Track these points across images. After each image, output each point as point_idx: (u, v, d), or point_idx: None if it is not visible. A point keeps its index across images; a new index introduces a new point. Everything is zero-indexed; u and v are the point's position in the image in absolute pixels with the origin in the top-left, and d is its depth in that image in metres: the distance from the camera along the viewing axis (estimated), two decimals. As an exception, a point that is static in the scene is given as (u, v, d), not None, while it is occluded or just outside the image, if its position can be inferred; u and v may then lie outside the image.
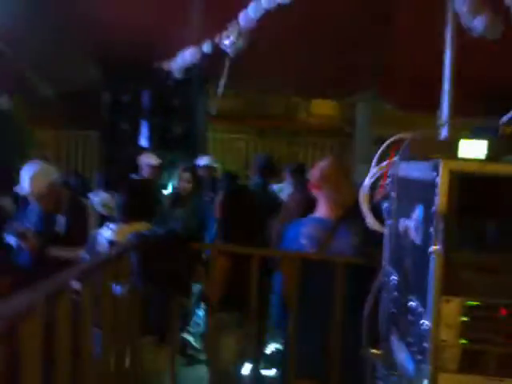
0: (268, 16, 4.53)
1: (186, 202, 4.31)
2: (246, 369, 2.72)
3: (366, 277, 2.08)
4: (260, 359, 2.87)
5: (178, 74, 5.86)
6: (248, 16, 4.69)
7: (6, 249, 3.02)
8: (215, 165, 5.58)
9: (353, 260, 2.22)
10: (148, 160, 4.67)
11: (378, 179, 1.70)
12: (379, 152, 1.63)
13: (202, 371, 3.00)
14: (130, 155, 6.17)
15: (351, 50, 5.58)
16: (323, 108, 8.25)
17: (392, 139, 1.56)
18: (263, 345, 2.84)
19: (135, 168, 5.08)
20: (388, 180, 1.54)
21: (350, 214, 2.38)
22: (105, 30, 5.26)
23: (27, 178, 2.92)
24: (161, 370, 2.58)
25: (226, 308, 2.55)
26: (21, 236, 2.90)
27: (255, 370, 2.70)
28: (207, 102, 6.85)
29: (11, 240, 3.04)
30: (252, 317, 2.40)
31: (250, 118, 8.08)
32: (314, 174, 2.45)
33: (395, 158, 1.51)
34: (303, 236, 2.29)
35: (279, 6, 4.36)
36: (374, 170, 1.62)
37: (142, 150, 6.33)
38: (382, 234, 1.70)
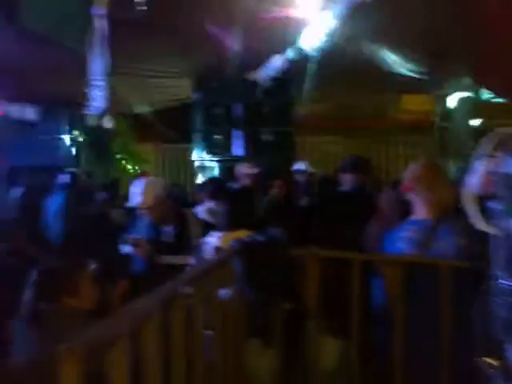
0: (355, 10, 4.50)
1: (279, 208, 4.39)
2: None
3: (474, 280, 2.01)
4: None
5: (265, 83, 6.04)
6: (331, 17, 4.69)
7: (123, 257, 3.32)
8: (311, 169, 5.62)
9: (458, 263, 2.15)
10: (245, 169, 4.83)
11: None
12: (484, 147, 1.56)
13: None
14: (225, 165, 6.49)
15: (441, 38, 5.35)
16: (415, 103, 7.95)
17: (497, 133, 1.49)
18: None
19: (231, 177, 5.29)
20: (495, 178, 1.48)
21: (449, 213, 2.33)
22: (196, 47, 5.54)
23: (138, 192, 3.20)
24: (265, 373, 2.66)
25: (324, 315, 2.57)
26: (135, 245, 3.18)
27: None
28: (295, 107, 6.95)
29: (126, 249, 3.34)
30: (354, 327, 2.39)
31: (339, 120, 8.04)
32: (406, 176, 2.42)
33: (503, 154, 1.45)
34: (401, 239, 2.26)
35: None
36: (479, 168, 1.57)
37: (236, 158, 6.61)
38: (487, 235, 1.64)
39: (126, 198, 4.92)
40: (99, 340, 1.17)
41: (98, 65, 2.70)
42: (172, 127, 7.67)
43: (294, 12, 4.78)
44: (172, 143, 8.33)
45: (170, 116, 7.59)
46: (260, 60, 5.83)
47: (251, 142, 6.67)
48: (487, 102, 6.83)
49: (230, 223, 2.88)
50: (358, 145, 8.10)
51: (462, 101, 6.99)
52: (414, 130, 7.97)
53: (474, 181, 1.60)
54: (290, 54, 5.52)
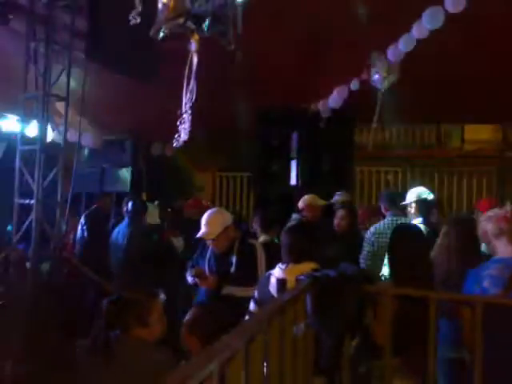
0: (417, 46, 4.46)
1: (342, 239, 4.30)
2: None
3: None
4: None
5: (326, 114, 6.04)
6: (398, 50, 4.66)
7: (186, 286, 3.34)
8: (349, 199, 5.48)
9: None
10: (312, 201, 4.78)
11: None
12: None
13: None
14: (282, 195, 6.47)
15: (505, 72, 5.18)
16: (480, 133, 7.68)
17: None
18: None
19: (289, 207, 5.26)
20: None
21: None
22: (259, 81, 5.63)
23: (205, 223, 3.22)
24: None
25: (398, 353, 2.45)
26: (199, 276, 3.18)
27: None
28: (354, 137, 6.89)
29: (189, 279, 3.35)
30: (430, 366, 2.26)
31: (399, 149, 7.87)
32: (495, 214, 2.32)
33: None
34: (486, 278, 2.13)
35: (430, 33, 4.27)
36: None
37: (293, 188, 6.58)
38: None
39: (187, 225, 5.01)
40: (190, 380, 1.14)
41: (187, 99, 2.77)
42: (230, 155, 7.78)
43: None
44: (228, 171, 8.44)
45: (226, 143, 7.71)
46: (323, 92, 5.86)
47: (309, 173, 6.63)
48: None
49: (293, 255, 2.82)
50: (420, 175, 7.88)
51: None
52: (479, 161, 7.67)
53: None
54: (352, 85, 5.52)
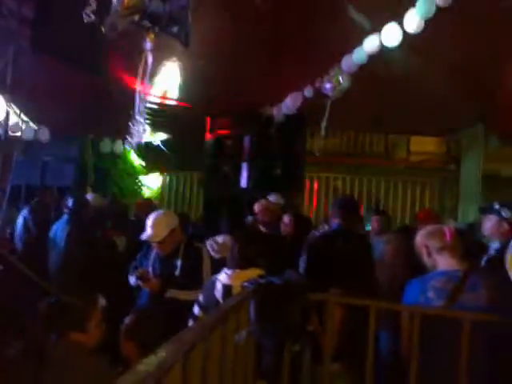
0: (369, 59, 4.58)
1: (288, 245, 4.31)
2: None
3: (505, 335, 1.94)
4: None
5: (280, 119, 6.08)
6: (351, 61, 4.75)
7: (129, 289, 3.25)
8: (281, 202, 5.53)
9: (484, 316, 2.09)
10: (267, 204, 4.76)
11: None
12: None
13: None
14: (232, 197, 6.45)
15: (454, 86, 5.43)
16: (425, 145, 8.00)
17: None
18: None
19: (239, 209, 5.25)
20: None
21: (476, 265, 2.30)
22: (213, 83, 5.59)
23: (151, 225, 3.14)
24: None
25: (338, 359, 2.50)
26: (142, 278, 3.10)
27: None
28: (306, 143, 6.98)
29: (132, 280, 3.27)
30: (368, 372, 2.32)
31: (348, 157, 8.06)
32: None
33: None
34: (431, 289, 2.21)
35: (382, 50, 4.39)
36: None
37: (243, 191, 6.59)
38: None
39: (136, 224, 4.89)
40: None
41: (142, 100, 2.70)
42: (180, 155, 7.68)
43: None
44: (178, 171, 8.33)
45: (177, 143, 7.61)
46: (277, 97, 5.90)
47: (260, 176, 6.65)
48: (497, 148, 6.85)
49: (240, 261, 2.81)
50: (367, 183, 8.11)
51: (474, 145, 7.01)
52: (423, 172, 7.98)
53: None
54: (306, 92, 5.58)
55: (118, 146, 7.18)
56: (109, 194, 6.51)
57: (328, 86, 5.15)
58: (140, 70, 2.60)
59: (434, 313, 2.20)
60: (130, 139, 3.15)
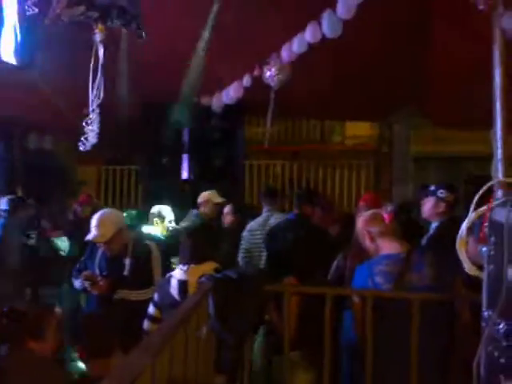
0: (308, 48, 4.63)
1: (231, 235, 4.27)
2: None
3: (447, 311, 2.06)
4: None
5: (218, 109, 6.02)
6: (291, 50, 4.79)
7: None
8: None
9: (430, 296, 2.20)
10: (211, 198, 4.71)
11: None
12: (477, 196, 1.60)
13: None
14: (173, 189, 6.33)
15: (386, 71, 5.62)
16: (358, 129, 8.26)
17: (490, 183, 1.55)
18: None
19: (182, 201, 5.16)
20: (486, 224, 1.53)
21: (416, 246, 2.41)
22: (146, 70, 5.42)
23: (96, 224, 3.01)
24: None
25: (298, 346, 2.55)
26: (89, 281, 2.98)
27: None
28: (245, 132, 6.98)
29: (78, 284, 3.13)
30: (326, 358, 2.38)
31: (286, 144, 8.17)
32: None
33: (494, 203, 1.50)
34: (379, 274, 2.30)
35: (322, 39, 4.46)
36: (471, 215, 1.61)
37: (184, 182, 6.49)
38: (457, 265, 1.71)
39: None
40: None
41: (93, 97, 2.54)
42: (116, 148, 7.40)
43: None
44: (115, 165, 8.04)
45: (113, 136, 7.32)
46: (216, 87, 5.83)
47: (199, 167, 6.60)
48: (427, 130, 7.21)
49: (194, 256, 2.78)
50: (305, 168, 8.27)
51: (404, 128, 7.33)
52: (358, 155, 8.25)
53: (464, 227, 1.64)
54: (245, 81, 5.56)
55: (47, 142, 6.80)
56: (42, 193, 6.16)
57: (268, 74, 5.16)
58: (92, 63, 2.46)
59: (385, 295, 2.29)
60: (84, 140, 2.97)
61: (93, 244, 3.16)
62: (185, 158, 6.61)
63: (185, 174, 6.55)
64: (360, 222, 2.58)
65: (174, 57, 5.15)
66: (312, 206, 3.82)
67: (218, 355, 2.47)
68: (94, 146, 3.01)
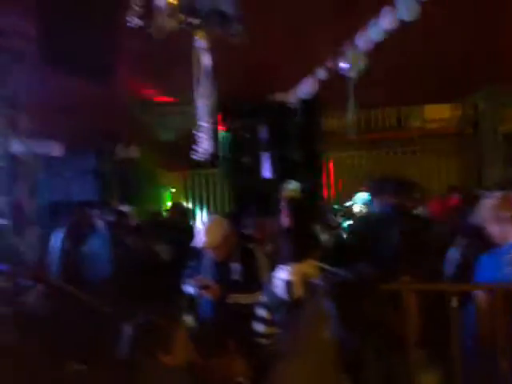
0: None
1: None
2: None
3: None
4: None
5: (295, 105, 6.02)
6: (367, 38, 4.67)
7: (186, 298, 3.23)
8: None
9: None
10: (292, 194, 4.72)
11: None
12: None
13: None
14: (255, 188, 6.40)
15: (463, 50, 5.34)
16: (438, 112, 7.90)
17: None
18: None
19: (266, 199, 5.19)
20: None
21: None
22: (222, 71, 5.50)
23: (205, 232, 3.11)
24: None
25: (420, 346, 2.48)
26: (202, 286, 3.07)
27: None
28: (322, 126, 6.91)
29: (190, 289, 3.24)
30: (453, 356, 2.30)
31: (363, 133, 7.97)
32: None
33: None
34: (507, 264, 2.16)
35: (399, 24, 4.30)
36: None
37: (266, 181, 6.54)
38: None
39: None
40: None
41: (203, 106, 2.62)
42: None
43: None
44: (199, 168, 8.22)
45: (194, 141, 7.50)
46: (290, 82, 5.82)
47: (279, 164, 6.61)
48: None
49: (295, 255, 2.78)
50: (383, 157, 8.03)
51: (490, 106, 6.91)
52: (440, 139, 7.89)
53: None
54: (320, 74, 5.50)
55: (133, 152, 7.13)
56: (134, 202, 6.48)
57: (344, 66, 5.08)
58: (195, 72, 2.53)
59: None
60: (198, 151, 3.06)
61: (199, 249, 3.26)
62: (264, 156, 6.66)
63: (267, 172, 6.60)
64: (488, 205, 2.40)
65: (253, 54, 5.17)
66: (407, 196, 3.68)
67: (342, 357, 2.45)
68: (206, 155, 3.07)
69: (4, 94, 4.34)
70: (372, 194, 3.86)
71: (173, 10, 2.19)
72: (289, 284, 2.69)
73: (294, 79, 5.82)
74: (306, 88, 5.71)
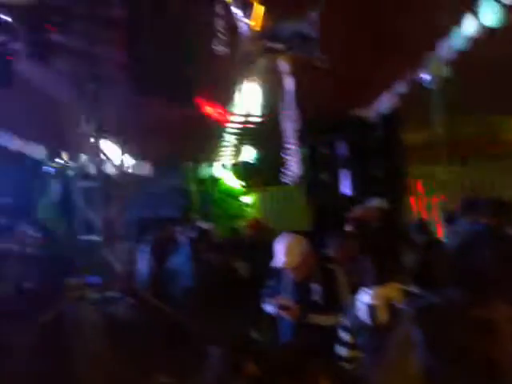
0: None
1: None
2: None
3: None
4: None
5: (375, 119, 5.89)
6: (449, 47, 4.49)
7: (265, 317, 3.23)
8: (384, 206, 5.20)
9: None
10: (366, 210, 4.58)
11: None
12: None
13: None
14: (334, 206, 6.29)
15: None
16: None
17: None
18: None
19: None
20: None
21: None
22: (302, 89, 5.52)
23: (284, 251, 3.11)
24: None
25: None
26: (282, 306, 3.06)
27: None
28: (404, 140, 6.66)
29: (269, 309, 3.24)
30: None
31: (451, 147, 7.54)
32: None
33: None
34: None
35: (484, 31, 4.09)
36: None
37: (346, 198, 6.41)
38: None
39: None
40: None
41: (290, 128, 2.68)
42: (275, 169, 7.66)
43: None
44: (274, 185, 8.27)
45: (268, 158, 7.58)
46: (370, 97, 5.72)
47: (362, 180, 6.46)
48: None
49: (378, 278, 2.68)
50: (475, 172, 7.51)
51: None
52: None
53: None
54: (400, 88, 5.36)
55: (216, 170, 7.37)
56: (212, 219, 6.66)
57: (426, 77, 4.91)
58: (283, 95, 2.57)
59: None
60: (287, 173, 3.12)
61: (277, 268, 3.26)
62: (343, 171, 6.55)
63: (346, 189, 6.48)
64: None
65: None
66: (501, 215, 3.43)
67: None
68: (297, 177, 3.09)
69: (97, 118, 4.69)
70: (463, 213, 3.67)
71: (256, 37, 2.25)
72: (372, 308, 2.61)
73: (373, 94, 5.71)
74: (386, 102, 5.57)
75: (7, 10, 4.05)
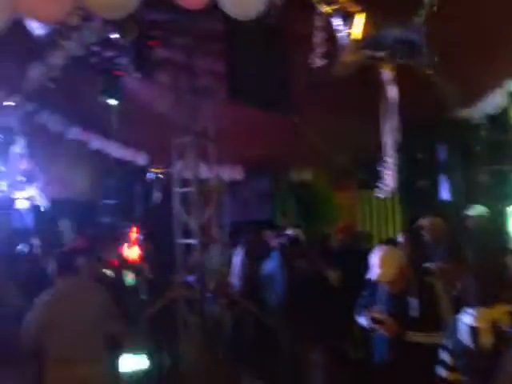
0: None
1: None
2: None
3: None
4: None
5: (479, 121, 5.49)
6: None
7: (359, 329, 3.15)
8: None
9: None
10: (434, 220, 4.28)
11: None
12: None
13: None
14: (432, 213, 5.95)
15: None
16: None
17: None
18: None
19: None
20: None
21: None
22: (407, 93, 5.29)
23: (379, 263, 3.01)
24: None
25: None
26: (377, 320, 2.96)
27: None
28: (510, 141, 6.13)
29: (364, 322, 3.14)
30: None
31: None
32: None
33: None
34: None
35: None
36: None
37: (445, 205, 6.05)
38: None
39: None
40: None
41: (389, 140, 2.63)
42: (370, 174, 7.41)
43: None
44: (367, 188, 8.00)
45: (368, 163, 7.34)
46: (474, 97, 5.35)
47: (463, 185, 6.05)
48: None
49: (484, 299, 2.49)
50: None
51: None
52: None
53: None
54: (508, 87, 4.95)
55: (306, 175, 7.34)
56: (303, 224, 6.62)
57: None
58: (384, 103, 2.50)
59: None
60: (381, 186, 3.05)
61: (374, 282, 3.15)
62: (443, 177, 6.19)
63: (445, 195, 6.12)
64: None
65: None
66: None
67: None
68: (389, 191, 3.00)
69: (196, 126, 4.89)
70: None
71: (357, 46, 2.19)
72: (474, 331, 2.44)
73: (478, 93, 5.31)
74: (494, 101, 5.17)
75: (114, 26, 4.33)
